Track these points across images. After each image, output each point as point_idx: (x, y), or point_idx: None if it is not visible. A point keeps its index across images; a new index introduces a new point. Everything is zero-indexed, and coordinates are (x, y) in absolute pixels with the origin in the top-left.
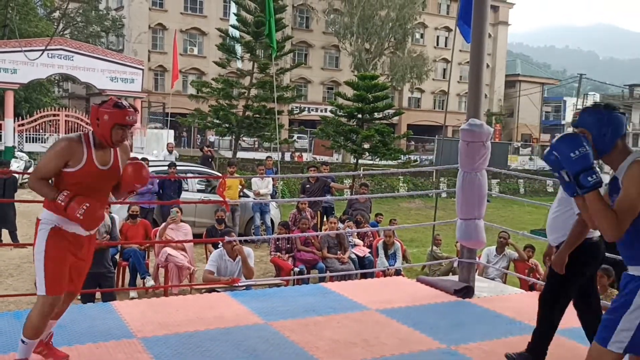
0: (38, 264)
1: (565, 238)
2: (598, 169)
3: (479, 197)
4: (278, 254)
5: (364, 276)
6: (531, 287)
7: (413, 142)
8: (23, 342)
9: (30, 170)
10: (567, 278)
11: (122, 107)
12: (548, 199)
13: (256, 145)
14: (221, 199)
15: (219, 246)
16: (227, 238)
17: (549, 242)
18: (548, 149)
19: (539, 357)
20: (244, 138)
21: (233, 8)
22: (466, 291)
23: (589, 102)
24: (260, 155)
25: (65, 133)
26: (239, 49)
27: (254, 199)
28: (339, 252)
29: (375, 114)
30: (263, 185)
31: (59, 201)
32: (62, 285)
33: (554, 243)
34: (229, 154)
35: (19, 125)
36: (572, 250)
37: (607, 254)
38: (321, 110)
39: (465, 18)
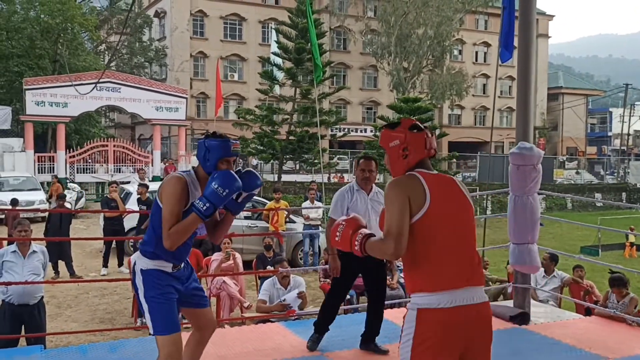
0: None
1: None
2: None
3: (531, 221)
4: (327, 280)
5: None
6: (587, 311)
7: (455, 160)
8: None
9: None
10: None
11: None
12: (598, 214)
13: (297, 167)
14: (272, 228)
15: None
16: (280, 269)
17: None
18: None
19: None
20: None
21: (274, 35)
22: (522, 318)
23: (637, 112)
24: (302, 178)
25: (114, 163)
26: (280, 75)
27: (303, 224)
28: (387, 277)
29: None
30: (313, 210)
31: None
32: None
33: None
34: (270, 177)
35: (70, 157)
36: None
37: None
38: (361, 131)
39: (504, 40)
